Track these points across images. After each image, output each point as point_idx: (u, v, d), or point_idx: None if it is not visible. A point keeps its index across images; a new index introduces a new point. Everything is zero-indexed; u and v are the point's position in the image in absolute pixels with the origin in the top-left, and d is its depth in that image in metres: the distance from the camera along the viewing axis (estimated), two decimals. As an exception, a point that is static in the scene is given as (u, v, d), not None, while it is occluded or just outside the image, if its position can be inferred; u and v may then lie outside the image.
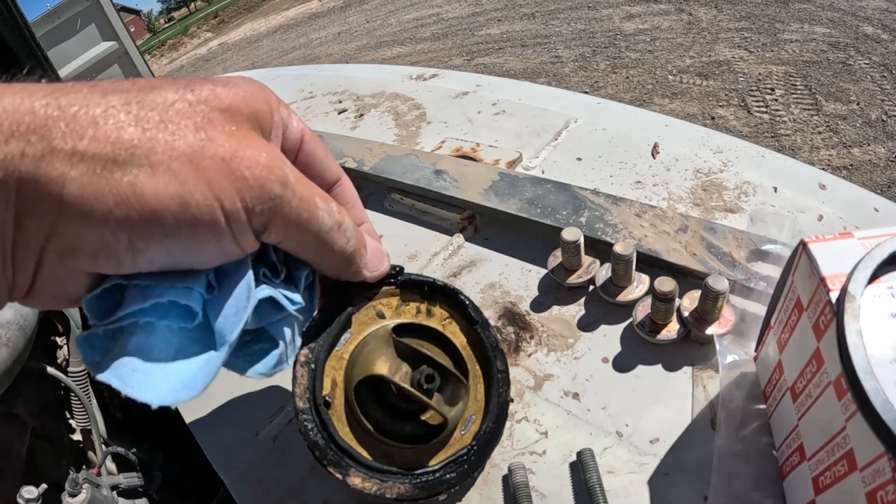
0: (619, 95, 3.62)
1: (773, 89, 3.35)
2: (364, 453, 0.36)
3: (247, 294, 0.27)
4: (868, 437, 0.25)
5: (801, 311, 0.33)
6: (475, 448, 0.38)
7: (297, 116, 0.32)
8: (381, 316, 0.39)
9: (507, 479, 0.41)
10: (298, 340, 0.33)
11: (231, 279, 0.27)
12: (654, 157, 0.64)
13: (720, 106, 3.30)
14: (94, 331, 0.26)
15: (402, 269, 0.39)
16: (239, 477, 0.47)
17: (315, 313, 0.36)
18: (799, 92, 3.28)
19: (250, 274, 0.28)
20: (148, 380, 0.25)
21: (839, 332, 0.27)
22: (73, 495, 0.59)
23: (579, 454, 0.39)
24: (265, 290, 0.29)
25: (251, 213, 0.25)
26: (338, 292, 0.37)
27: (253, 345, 0.31)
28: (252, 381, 0.53)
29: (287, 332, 0.31)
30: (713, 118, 3.20)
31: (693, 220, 0.50)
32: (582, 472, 0.39)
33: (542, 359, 0.47)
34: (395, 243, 0.64)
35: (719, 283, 0.41)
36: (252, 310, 0.27)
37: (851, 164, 2.73)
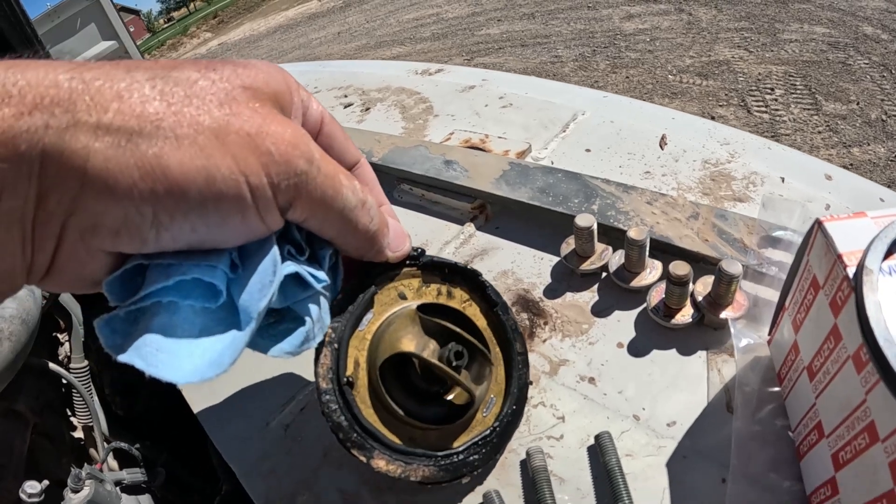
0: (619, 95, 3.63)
1: (772, 89, 3.36)
2: (388, 435, 0.36)
3: (272, 269, 0.27)
4: (890, 406, 0.25)
5: (817, 289, 0.33)
6: (497, 429, 0.38)
7: (316, 100, 0.32)
8: (403, 297, 0.39)
9: (524, 464, 0.41)
10: (327, 319, 0.33)
11: (255, 257, 0.27)
12: (661, 149, 0.65)
13: (720, 106, 3.31)
14: (114, 313, 0.26)
15: (423, 251, 0.39)
16: (250, 468, 0.47)
17: (338, 295, 0.36)
18: (799, 92, 3.29)
19: (275, 249, 0.27)
20: (172, 359, 0.24)
21: (859, 304, 0.27)
22: (75, 491, 0.58)
23: (598, 437, 0.40)
24: (291, 267, 0.29)
25: (276, 189, 0.25)
26: (360, 273, 0.37)
27: (278, 325, 0.31)
28: (260, 370, 0.52)
29: (314, 309, 0.31)
30: (713, 118, 3.20)
31: (704, 207, 0.50)
32: (601, 455, 0.39)
33: (557, 344, 0.47)
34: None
35: (733, 267, 0.41)
36: (278, 285, 0.27)
37: (851, 164, 2.74)
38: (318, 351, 0.35)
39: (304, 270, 0.30)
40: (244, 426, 0.50)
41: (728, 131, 0.68)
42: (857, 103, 3.09)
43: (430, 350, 0.36)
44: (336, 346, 0.35)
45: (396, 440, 0.36)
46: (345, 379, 0.35)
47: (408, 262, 0.38)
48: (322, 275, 0.31)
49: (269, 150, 0.25)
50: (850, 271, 0.30)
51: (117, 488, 0.69)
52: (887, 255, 0.30)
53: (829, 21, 3.89)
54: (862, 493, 0.29)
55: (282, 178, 0.25)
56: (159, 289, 0.25)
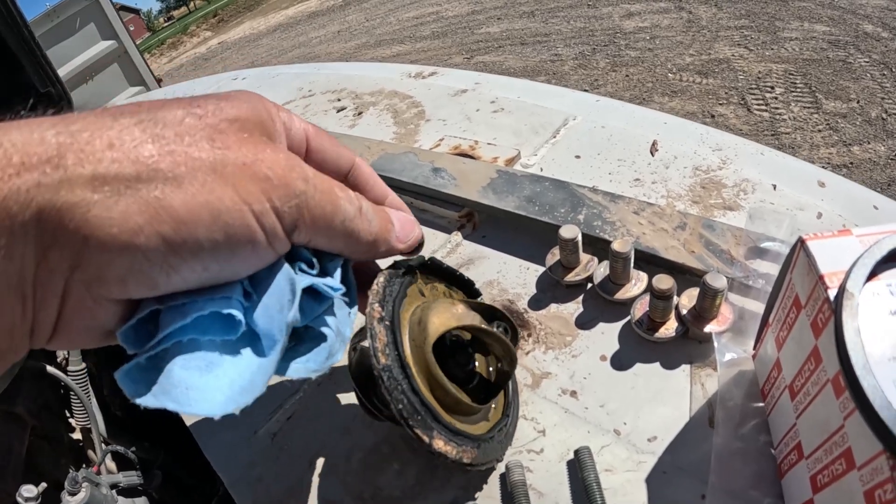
0: (618, 94, 3.62)
1: (772, 87, 3.34)
2: (444, 416, 0.35)
3: (289, 287, 0.27)
4: (866, 436, 0.25)
5: (799, 308, 0.33)
6: (510, 417, 0.40)
7: (298, 117, 0.32)
8: (421, 293, 0.39)
9: (503, 478, 0.41)
10: (347, 332, 0.32)
11: (267, 280, 0.27)
12: (652, 155, 0.64)
13: (720, 104, 3.30)
14: (134, 362, 0.25)
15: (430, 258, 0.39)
16: (238, 476, 0.47)
17: (356, 308, 0.34)
18: (799, 90, 3.28)
19: (287, 266, 0.27)
20: (204, 394, 0.24)
21: (837, 329, 0.27)
22: (72, 494, 0.59)
23: (577, 452, 0.39)
24: (305, 280, 0.28)
25: (280, 213, 0.25)
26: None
27: (299, 346, 0.30)
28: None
29: (332, 321, 0.30)
30: (713, 116, 3.19)
31: (692, 217, 0.50)
32: (579, 471, 0.39)
33: (540, 357, 0.47)
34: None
35: (717, 281, 0.41)
36: (298, 301, 0.27)
37: (851, 163, 2.73)
38: (372, 327, 0.34)
39: (319, 282, 0.29)
40: (232, 435, 0.50)
41: (721, 136, 0.67)
42: (858, 101, 3.08)
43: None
44: (389, 322, 0.34)
45: (450, 420, 0.35)
46: (404, 353, 0.34)
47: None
48: (336, 283, 0.30)
49: (268, 176, 0.25)
50: (832, 293, 0.29)
51: (113, 491, 0.69)
52: (871, 276, 0.29)
53: (829, 19, 3.87)
54: None
55: (284, 202, 0.25)
56: (177, 328, 0.25)
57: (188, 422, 0.53)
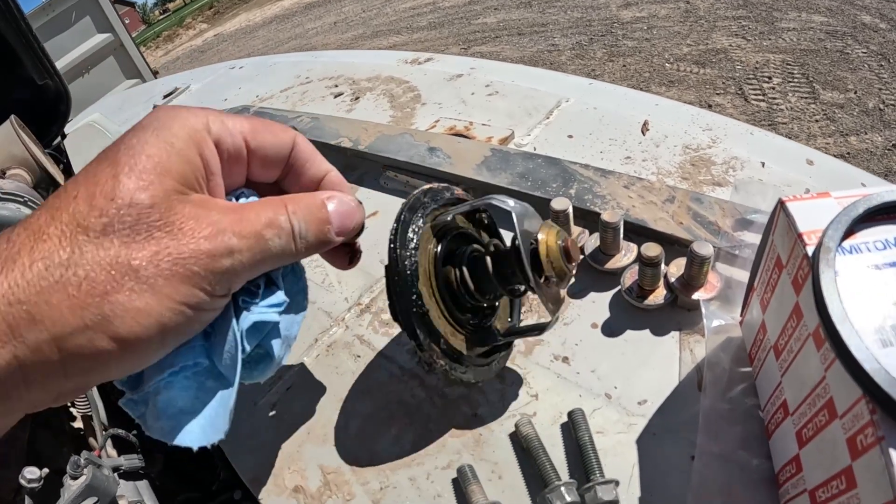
0: (615, 83, 3.61)
1: (770, 77, 3.34)
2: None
3: (235, 342, 0.31)
4: (846, 383, 0.25)
5: (780, 268, 0.34)
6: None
7: (233, 117, 0.32)
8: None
9: (498, 440, 0.42)
10: (294, 330, 0.37)
11: (221, 322, 0.31)
12: (643, 134, 0.65)
13: (717, 94, 3.30)
14: (128, 398, 0.31)
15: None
16: (239, 445, 0.48)
17: (304, 313, 0.38)
18: (796, 80, 3.28)
19: (233, 322, 0.31)
20: (185, 431, 0.30)
21: (815, 282, 0.28)
22: (74, 478, 0.59)
23: (570, 413, 0.40)
24: (247, 321, 0.32)
25: (214, 293, 0.27)
26: None
27: (249, 364, 0.35)
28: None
29: (277, 343, 0.35)
30: (710, 106, 3.19)
31: (680, 191, 0.51)
32: (573, 431, 0.40)
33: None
34: (390, 219, 0.64)
35: (704, 249, 0.42)
36: (242, 348, 0.31)
37: (848, 153, 2.74)
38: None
39: (260, 312, 0.33)
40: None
41: (711, 117, 0.68)
42: (855, 92, 3.08)
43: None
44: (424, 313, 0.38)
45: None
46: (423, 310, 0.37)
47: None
48: (280, 296, 0.34)
49: (194, 272, 0.26)
50: (810, 250, 0.30)
51: (115, 474, 0.70)
52: (848, 234, 0.30)
53: (827, 10, 3.86)
54: (823, 469, 0.29)
55: (215, 283, 0.27)
56: (156, 381, 0.30)
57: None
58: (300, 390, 0.51)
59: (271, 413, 0.50)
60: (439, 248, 0.41)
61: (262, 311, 0.33)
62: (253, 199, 0.33)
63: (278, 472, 0.46)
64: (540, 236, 0.38)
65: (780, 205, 0.33)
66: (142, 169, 0.25)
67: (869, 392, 0.24)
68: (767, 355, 0.38)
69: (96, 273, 0.24)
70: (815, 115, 2.99)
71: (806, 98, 3.12)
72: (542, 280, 0.38)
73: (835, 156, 2.78)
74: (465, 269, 0.41)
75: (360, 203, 0.35)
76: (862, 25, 3.59)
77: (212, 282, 0.27)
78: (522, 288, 0.40)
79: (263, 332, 0.34)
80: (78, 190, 0.25)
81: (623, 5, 4.73)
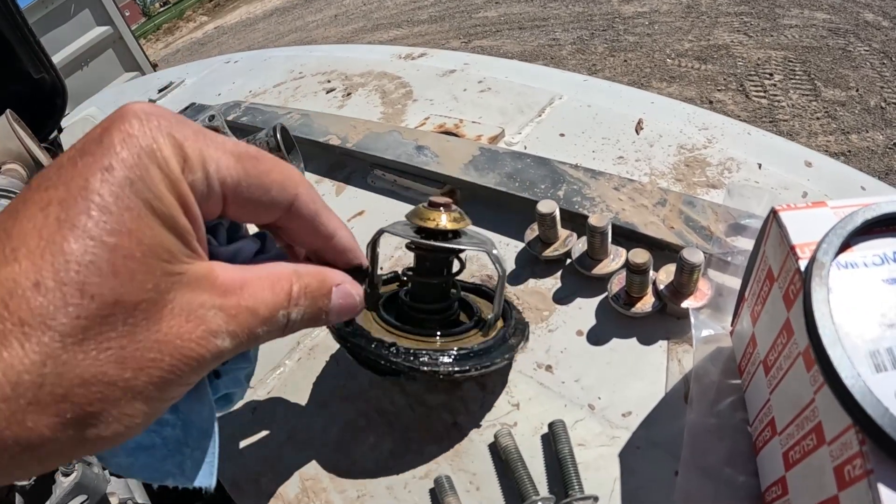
0: (616, 79, 3.59)
1: (771, 74, 3.32)
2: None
3: (211, 419, 0.28)
4: (836, 410, 0.24)
5: (772, 281, 0.32)
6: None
7: (226, 142, 0.24)
8: None
9: (478, 452, 0.41)
10: (246, 383, 0.34)
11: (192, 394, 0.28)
12: (637, 133, 0.63)
13: (718, 90, 3.27)
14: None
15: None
16: (219, 449, 0.47)
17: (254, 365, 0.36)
18: (798, 77, 3.25)
19: (210, 401, 0.28)
20: (145, 464, 0.26)
21: (806, 300, 0.26)
22: (66, 475, 0.59)
23: (551, 425, 0.39)
24: (220, 390, 0.30)
25: (203, 371, 0.23)
26: None
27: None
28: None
29: (240, 387, 0.33)
30: (711, 102, 3.17)
31: (672, 194, 0.49)
32: (553, 444, 0.38)
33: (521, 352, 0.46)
34: (376, 218, 0.63)
35: (694, 256, 0.40)
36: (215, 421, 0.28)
37: (849, 151, 2.72)
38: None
39: (229, 376, 0.31)
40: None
41: (708, 116, 0.66)
42: (857, 90, 3.06)
43: None
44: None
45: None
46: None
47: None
48: (248, 358, 0.32)
49: (182, 374, 0.22)
50: (802, 264, 0.28)
51: (106, 472, 0.69)
52: (844, 247, 0.29)
53: (829, 7, 3.83)
54: (809, 495, 0.28)
55: (200, 374, 0.23)
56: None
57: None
58: (281, 394, 0.50)
59: (252, 417, 0.49)
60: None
61: (233, 378, 0.31)
62: (243, 247, 0.29)
63: (257, 477, 0.45)
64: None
65: (773, 214, 0.31)
66: (125, 255, 0.19)
67: (858, 422, 0.23)
68: (757, 370, 0.36)
69: (77, 392, 0.19)
70: (817, 113, 2.97)
71: (807, 95, 3.10)
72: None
73: (835, 154, 2.76)
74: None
75: (363, 301, 0.30)
76: (864, 23, 3.56)
77: (196, 375, 0.23)
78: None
79: (230, 384, 0.32)
80: (38, 275, 0.18)
81: (624, 0, 4.69)
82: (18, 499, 0.55)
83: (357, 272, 0.31)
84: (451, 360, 0.35)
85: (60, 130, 1.47)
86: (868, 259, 0.28)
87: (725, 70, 3.43)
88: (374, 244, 0.39)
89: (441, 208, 0.37)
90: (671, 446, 0.38)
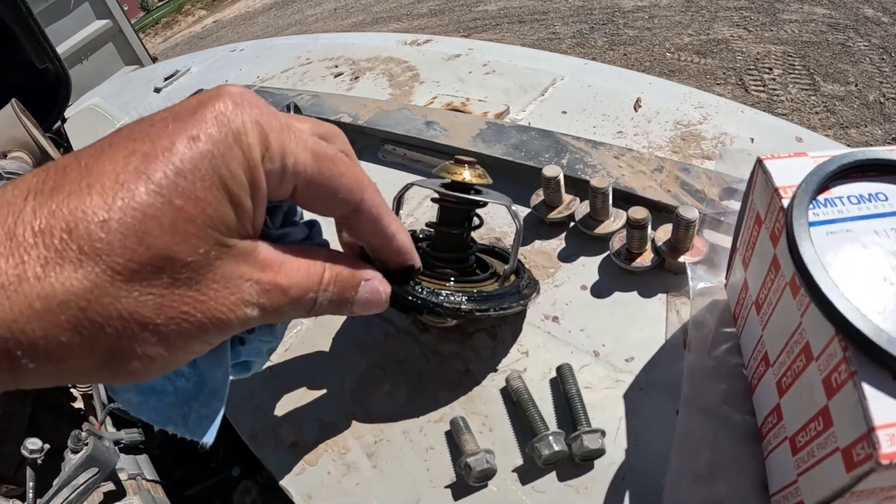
0: (615, 73, 3.61)
1: (771, 69, 3.34)
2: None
3: (224, 382, 0.29)
4: (821, 324, 0.26)
5: (760, 224, 0.35)
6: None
7: (305, 140, 0.26)
8: None
9: (490, 395, 0.44)
10: (276, 343, 0.34)
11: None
12: (636, 111, 0.66)
13: (717, 84, 3.30)
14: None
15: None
16: (237, 405, 0.50)
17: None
18: (797, 72, 3.27)
19: (228, 365, 0.29)
20: (152, 406, 0.28)
21: (788, 227, 0.29)
22: (75, 451, 0.61)
23: (559, 368, 0.42)
24: (241, 357, 0.31)
25: (222, 336, 0.25)
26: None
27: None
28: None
29: (260, 358, 0.33)
30: (710, 96, 3.19)
31: (669, 161, 0.52)
32: (561, 384, 0.41)
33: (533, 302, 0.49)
34: (388, 191, 0.64)
35: (689, 213, 0.43)
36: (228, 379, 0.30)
37: (848, 145, 2.73)
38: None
39: (250, 353, 0.32)
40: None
41: (703, 96, 0.69)
42: (856, 85, 3.08)
43: None
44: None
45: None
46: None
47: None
48: (275, 333, 0.33)
49: (209, 334, 0.24)
50: (786, 202, 0.31)
51: (116, 447, 0.71)
52: (823, 189, 0.32)
53: (829, 2, 3.85)
54: (801, 414, 0.30)
55: (225, 337, 0.26)
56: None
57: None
58: (298, 352, 0.52)
59: (269, 373, 0.51)
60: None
61: (255, 347, 0.32)
62: (292, 231, 0.30)
63: (276, 428, 0.47)
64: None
65: (759, 163, 0.34)
66: (186, 218, 0.21)
67: (841, 329, 0.25)
68: (749, 312, 0.39)
69: (113, 323, 0.21)
70: (816, 107, 2.99)
71: (806, 90, 3.12)
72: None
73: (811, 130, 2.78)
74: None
75: (388, 299, 0.32)
76: (864, 18, 3.58)
77: (220, 336, 0.25)
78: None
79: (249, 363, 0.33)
80: (107, 213, 0.20)
81: (625, -6, 4.70)
82: (29, 472, 0.57)
83: (407, 272, 0.33)
84: (471, 300, 0.38)
85: (64, 120, 1.49)
86: (844, 198, 0.31)
87: (725, 64, 3.45)
88: (400, 197, 0.42)
89: (466, 165, 0.41)
90: (672, 389, 0.41)
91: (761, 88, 3.21)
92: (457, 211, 0.43)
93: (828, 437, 0.27)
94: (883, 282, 0.27)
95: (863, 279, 0.27)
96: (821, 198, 0.31)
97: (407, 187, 0.43)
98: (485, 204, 0.43)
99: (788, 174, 0.33)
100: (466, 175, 0.41)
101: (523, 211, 0.56)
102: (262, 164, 0.23)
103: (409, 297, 0.35)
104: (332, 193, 0.27)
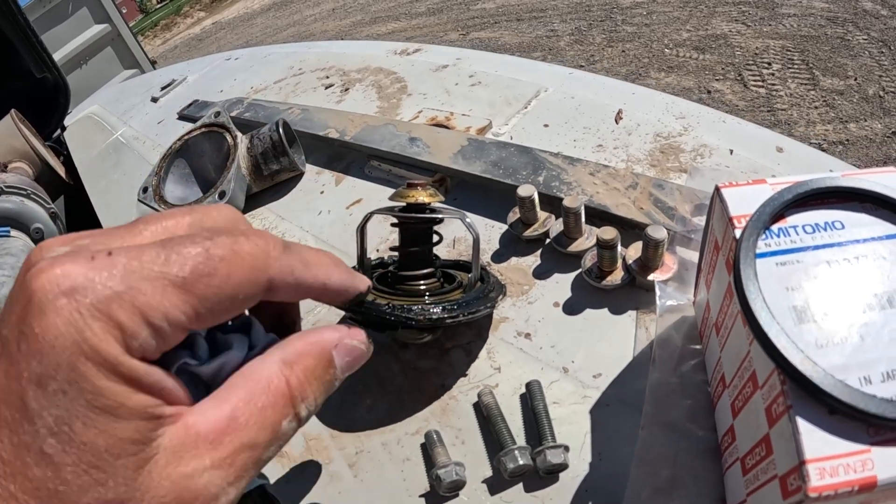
0: (614, 69, 3.61)
1: (769, 64, 3.33)
2: None
3: None
4: (764, 357, 0.27)
5: (717, 250, 0.37)
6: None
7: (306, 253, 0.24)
8: None
9: (463, 409, 0.45)
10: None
11: None
12: (617, 123, 0.67)
13: (716, 80, 3.29)
14: None
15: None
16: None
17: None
18: (796, 67, 3.26)
19: None
20: None
21: (735, 261, 0.30)
22: None
23: (528, 385, 0.44)
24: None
25: None
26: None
27: None
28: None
29: None
30: (709, 92, 3.19)
31: (643, 177, 0.53)
32: (529, 400, 0.43)
33: (500, 304, 0.51)
34: (373, 205, 0.67)
35: (658, 232, 0.44)
36: None
37: (848, 140, 2.73)
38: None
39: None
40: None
41: (686, 105, 0.70)
42: (855, 79, 3.06)
43: None
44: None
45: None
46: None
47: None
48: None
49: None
50: (738, 233, 0.33)
51: None
52: (779, 217, 0.33)
53: (828, -5, 3.83)
54: (749, 438, 0.31)
55: None
56: None
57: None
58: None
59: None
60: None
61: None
62: (226, 359, 0.24)
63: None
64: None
65: (716, 191, 0.36)
66: (89, 466, 0.18)
67: (778, 364, 0.26)
68: (711, 332, 0.40)
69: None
70: (815, 102, 2.98)
71: (805, 84, 3.11)
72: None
73: (833, 143, 2.77)
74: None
75: (370, 341, 0.29)
76: (863, 12, 3.56)
77: None
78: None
79: None
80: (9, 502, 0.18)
81: (623, -10, 4.69)
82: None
83: (359, 297, 0.29)
84: (440, 310, 0.40)
85: (64, 129, 1.51)
86: (799, 228, 0.32)
87: (723, 60, 3.44)
88: (362, 227, 0.45)
89: (418, 187, 0.44)
90: (638, 405, 0.42)
91: (760, 83, 3.20)
92: (418, 230, 0.46)
93: (769, 464, 0.28)
94: (824, 316, 0.28)
95: (805, 312, 0.28)
96: (775, 227, 0.32)
97: (367, 217, 0.46)
98: (441, 220, 0.46)
99: (745, 203, 0.34)
100: (421, 196, 0.44)
101: (501, 228, 0.57)
102: (128, 345, 0.19)
103: (386, 317, 0.37)
104: (229, 300, 0.21)
